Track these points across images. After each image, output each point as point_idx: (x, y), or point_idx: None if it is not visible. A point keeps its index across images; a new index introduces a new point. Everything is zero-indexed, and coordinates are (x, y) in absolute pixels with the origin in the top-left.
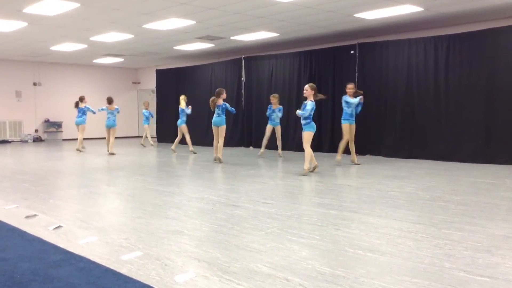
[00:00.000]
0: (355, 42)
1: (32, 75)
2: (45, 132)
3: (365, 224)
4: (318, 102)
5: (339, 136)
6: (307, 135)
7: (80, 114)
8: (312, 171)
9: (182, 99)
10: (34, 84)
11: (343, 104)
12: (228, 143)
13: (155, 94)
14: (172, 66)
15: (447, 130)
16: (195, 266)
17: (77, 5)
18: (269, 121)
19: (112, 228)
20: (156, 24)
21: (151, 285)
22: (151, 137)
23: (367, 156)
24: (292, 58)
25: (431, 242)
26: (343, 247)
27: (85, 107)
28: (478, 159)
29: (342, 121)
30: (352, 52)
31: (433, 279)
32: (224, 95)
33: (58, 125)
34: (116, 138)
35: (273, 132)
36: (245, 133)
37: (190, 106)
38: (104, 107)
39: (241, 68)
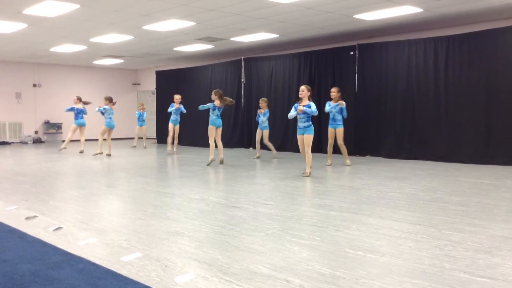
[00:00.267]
0: (355, 43)
1: (32, 76)
2: (45, 133)
3: (365, 225)
4: (318, 104)
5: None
6: (310, 139)
7: (81, 115)
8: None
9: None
10: (34, 85)
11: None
12: (227, 144)
13: (155, 95)
14: (172, 67)
15: (447, 131)
16: (195, 267)
17: (77, 6)
18: (258, 126)
19: (112, 229)
20: (156, 26)
21: (151, 286)
22: (139, 138)
23: (367, 156)
24: (292, 59)
25: (431, 243)
26: (343, 248)
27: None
28: (478, 160)
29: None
30: (352, 53)
31: (433, 280)
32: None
33: (58, 126)
34: (117, 139)
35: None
36: (245, 134)
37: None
38: (106, 107)
39: (241, 69)
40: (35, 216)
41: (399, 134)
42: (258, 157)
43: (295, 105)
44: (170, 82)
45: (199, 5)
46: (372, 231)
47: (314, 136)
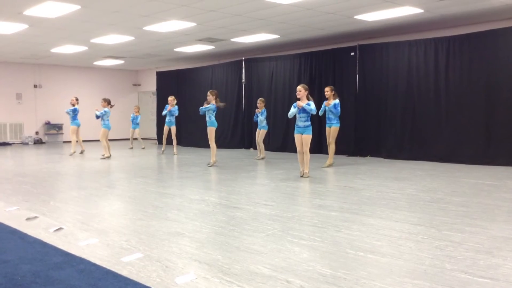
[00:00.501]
0: (355, 43)
1: (32, 77)
2: (45, 134)
3: (366, 226)
4: (318, 105)
5: (338, 137)
6: (309, 139)
7: (77, 115)
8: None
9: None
10: (35, 86)
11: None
12: (228, 144)
13: (156, 96)
14: (173, 68)
15: (447, 131)
16: (196, 267)
17: (77, 7)
18: (258, 126)
19: (112, 230)
20: (157, 26)
21: (152, 287)
22: (134, 138)
23: (368, 157)
24: (292, 60)
25: (432, 243)
26: (344, 249)
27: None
28: (478, 161)
29: None
30: (352, 53)
31: (434, 281)
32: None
33: (58, 127)
34: (117, 140)
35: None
36: (246, 135)
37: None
38: (107, 110)
39: (242, 70)
40: (35, 217)
41: (400, 134)
42: (263, 158)
43: (295, 103)
44: (170, 83)
45: (200, 6)
46: (373, 231)
47: (314, 136)
